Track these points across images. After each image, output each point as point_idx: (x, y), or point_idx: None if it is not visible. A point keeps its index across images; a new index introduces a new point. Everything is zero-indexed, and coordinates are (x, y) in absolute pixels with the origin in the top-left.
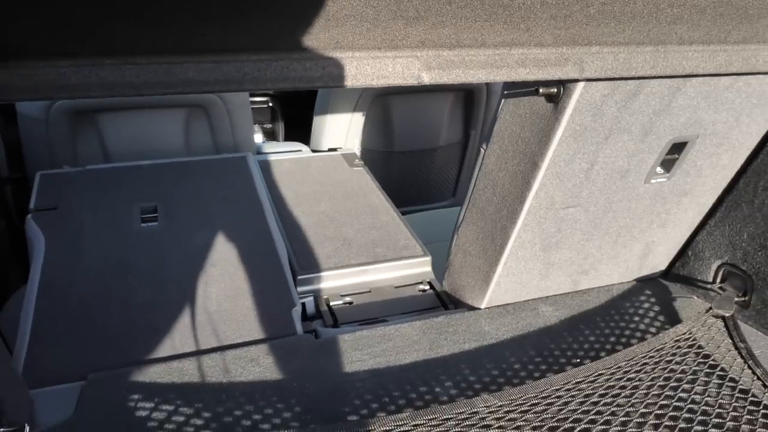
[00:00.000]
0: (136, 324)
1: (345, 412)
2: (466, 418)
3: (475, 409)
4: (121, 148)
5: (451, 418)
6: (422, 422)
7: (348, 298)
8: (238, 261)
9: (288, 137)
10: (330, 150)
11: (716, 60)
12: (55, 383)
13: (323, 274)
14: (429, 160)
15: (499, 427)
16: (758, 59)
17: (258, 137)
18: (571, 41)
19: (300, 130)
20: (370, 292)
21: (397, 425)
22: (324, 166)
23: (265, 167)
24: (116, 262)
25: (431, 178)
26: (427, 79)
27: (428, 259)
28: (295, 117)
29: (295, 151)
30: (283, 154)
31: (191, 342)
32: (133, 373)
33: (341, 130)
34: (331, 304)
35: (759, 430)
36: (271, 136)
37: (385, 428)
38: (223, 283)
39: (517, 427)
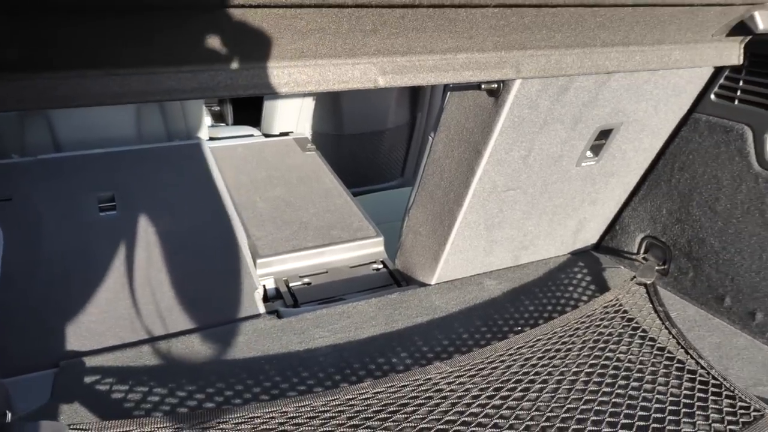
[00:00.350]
0: (103, 311)
1: (310, 384)
2: (421, 384)
3: (429, 376)
4: (72, 136)
5: (407, 385)
6: (382, 390)
7: (306, 279)
8: (199, 247)
9: (237, 119)
10: (282, 134)
11: (634, 59)
12: (27, 372)
13: (282, 257)
14: (378, 143)
15: (451, 390)
16: (670, 57)
17: (206, 120)
18: (508, 46)
19: (248, 112)
20: (327, 272)
21: (359, 394)
22: (277, 151)
23: (219, 153)
24: (77, 252)
25: (380, 159)
26: (382, 82)
27: (381, 239)
28: (243, 99)
29: (247, 135)
30: (235, 139)
31: (159, 326)
32: (105, 358)
33: (292, 115)
34: (291, 285)
35: (672, 381)
36: (219, 118)
37: (348, 396)
38: (186, 268)
39: (467, 390)
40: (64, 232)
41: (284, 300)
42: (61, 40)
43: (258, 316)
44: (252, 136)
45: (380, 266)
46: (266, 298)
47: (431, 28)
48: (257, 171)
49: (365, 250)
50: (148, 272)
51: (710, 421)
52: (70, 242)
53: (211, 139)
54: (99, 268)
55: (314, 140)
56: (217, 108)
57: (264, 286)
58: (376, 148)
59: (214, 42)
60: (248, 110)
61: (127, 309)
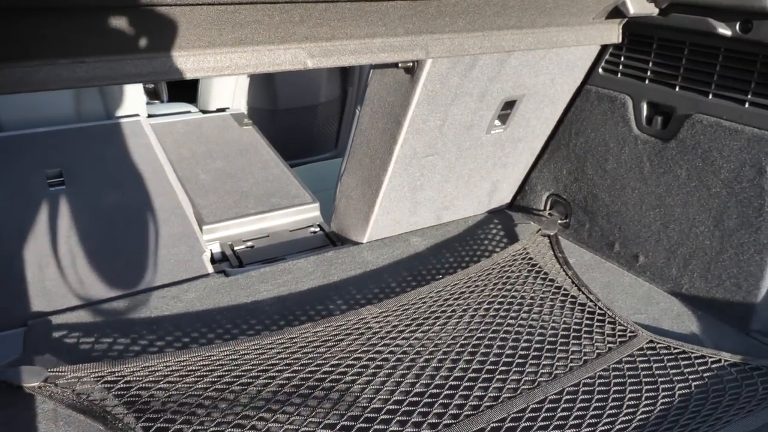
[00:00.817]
0: (63, 275)
1: (258, 329)
2: (355, 323)
3: (361, 317)
4: (12, 116)
5: (342, 324)
6: (321, 329)
7: (249, 243)
8: (148, 217)
9: (171, 96)
10: (218, 110)
11: (527, 40)
12: None
13: (225, 223)
14: (311, 116)
15: (380, 327)
16: (558, 38)
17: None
18: (418, 31)
19: (182, 89)
20: (268, 236)
21: (301, 333)
22: (215, 126)
23: (159, 129)
24: (32, 223)
25: (315, 132)
26: (311, 64)
27: (317, 205)
28: None
29: (185, 112)
30: (174, 116)
31: (118, 287)
32: (69, 316)
33: (228, 91)
34: (236, 248)
35: (566, 312)
36: (154, 95)
37: (292, 335)
38: (137, 235)
39: (393, 326)
40: (17, 205)
41: (230, 262)
42: (36, 35)
43: (207, 275)
44: (189, 112)
45: (317, 229)
46: (213, 261)
47: (350, 18)
48: (197, 146)
49: (303, 215)
50: (104, 239)
51: (594, 342)
52: (24, 214)
53: (150, 116)
54: (55, 236)
55: (250, 115)
56: (152, 86)
57: (210, 250)
58: (310, 122)
59: (166, 33)
60: (182, 88)
61: (87, 272)
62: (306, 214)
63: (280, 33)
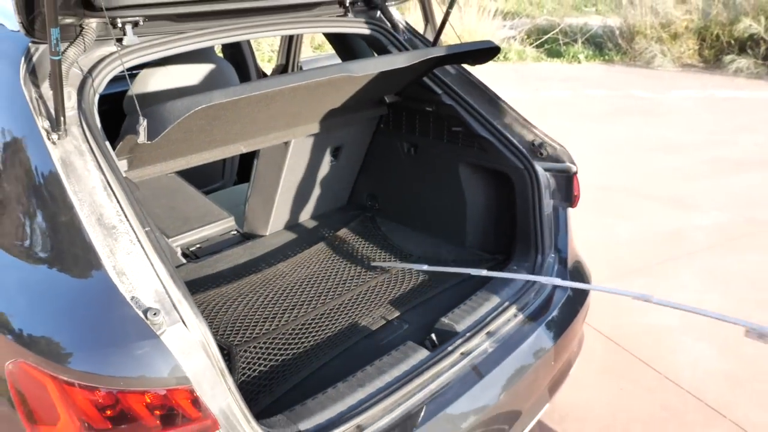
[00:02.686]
0: None
1: (225, 280)
2: (273, 273)
3: (277, 269)
4: None
5: (266, 273)
6: (260, 275)
7: (198, 245)
8: None
9: None
10: None
11: (343, 120)
12: None
13: (182, 235)
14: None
15: (285, 272)
16: (356, 117)
17: None
18: (290, 126)
19: None
20: (207, 240)
21: (250, 287)
22: None
23: None
24: None
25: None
26: (244, 149)
27: (232, 217)
28: None
29: None
30: None
31: None
32: None
33: None
34: (190, 249)
35: (375, 253)
36: None
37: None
38: None
39: (290, 273)
40: None
41: (191, 256)
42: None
43: (185, 263)
44: None
45: (236, 232)
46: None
47: (263, 126)
48: None
49: (226, 225)
50: None
51: (384, 259)
52: None
53: None
54: None
55: None
56: None
57: (180, 248)
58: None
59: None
60: None
61: None
62: (227, 223)
63: (227, 138)
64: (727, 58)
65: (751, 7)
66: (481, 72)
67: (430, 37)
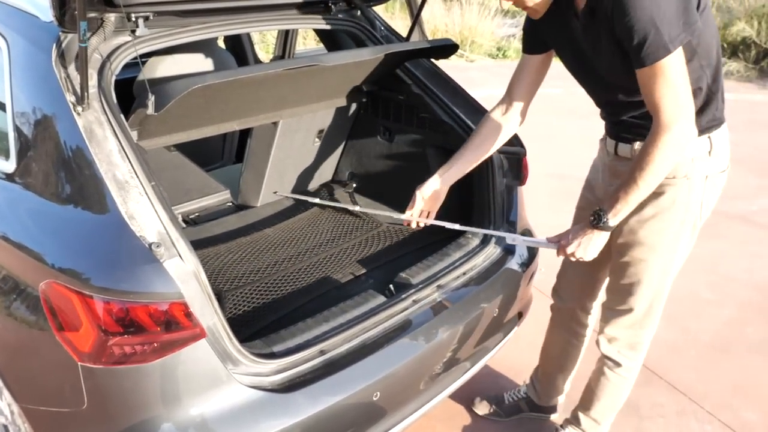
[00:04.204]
0: None
1: (221, 242)
2: (262, 238)
3: (265, 233)
4: None
5: (255, 236)
6: (250, 238)
7: (197, 213)
8: None
9: None
10: None
11: (324, 104)
12: None
13: (183, 204)
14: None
15: (274, 236)
16: (338, 102)
17: None
18: (278, 108)
19: None
20: (206, 209)
21: (241, 247)
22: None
23: None
24: None
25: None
26: (237, 126)
27: (228, 190)
28: None
29: None
30: None
31: None
32: None
33: None
34: (191, 216)
35: (352, 220)
36: None
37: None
38: None
39: (279, 235)
40: None
41: (192, 222)
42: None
43: (182, 228)
44: None
45: (231, 203)
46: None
47: (254, 106)
48: None
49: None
50: None
51: (362, 225)
52: None
53: None
54: None
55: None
56: None
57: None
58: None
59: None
60: None
61: None
62: (224, 196)
63: (222, 116)
64: None
65: (744, 12)
66: (480, 68)
67: (418, 34)
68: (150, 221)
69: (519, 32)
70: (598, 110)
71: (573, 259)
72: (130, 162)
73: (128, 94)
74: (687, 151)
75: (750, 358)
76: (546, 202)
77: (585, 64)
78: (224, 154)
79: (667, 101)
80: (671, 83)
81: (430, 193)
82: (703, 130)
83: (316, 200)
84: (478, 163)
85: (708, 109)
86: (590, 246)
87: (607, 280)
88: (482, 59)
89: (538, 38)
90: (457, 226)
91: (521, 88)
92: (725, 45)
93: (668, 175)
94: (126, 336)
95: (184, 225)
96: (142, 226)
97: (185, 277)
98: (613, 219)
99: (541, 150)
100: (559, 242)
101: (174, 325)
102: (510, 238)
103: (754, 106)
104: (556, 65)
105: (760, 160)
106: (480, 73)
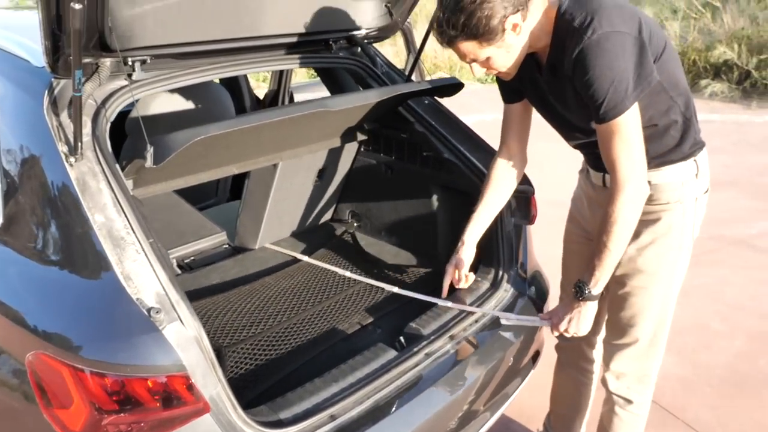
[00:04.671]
0: None
1: (219, 289)
2: (260, 284)
3: (264, 282)
4: None
5: (255, 284)
6: (248, 286)
7: (192, 257)
8: None
9: None
10: None
11: (327, 144)
12: None
13: (178, 248)
14: None
15: (272, 284)
16: (340, 143)
17: None
18: (277, 151)
19: None
20: (201, 252)
21: (237, 297)
22: None
23: None
24: None
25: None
26: (236, 170)
27: (224, 232)
28: None
29: None
30: None
31: None
32: None
33: None
34: (185, 261)
35: (352, 262)
36: None
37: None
38: None
39: (278, 283)
40: None
41: (186, 267)
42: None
43: (178, 275)
44: None
45: (227, 245)
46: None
47: (251, 150)
48: None
49: (217, 239)
50: None
51: (359, 258)
52: None
53: None
54: None
55: None
56: None
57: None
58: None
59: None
60: None
61: None
62: (220, 237)
63: (221, 161)
64: (703, 82)
65: (725, 35)
66: (471, 93)
67: (416, 69)
68: (148, 282)
69: None
70: None
71: (568, 335)
72: (126, 216)
73: (117, 127)
74: (677, 177)
75: (766, 393)
76: (547, 232)
77: (556, 113)
78: (218, 191)
79: (622, 159)
80: (626, 140)
81: (462, 264)
82: (688, 155)
83: (332, 267)
84: (495, 215)
85: (688, 135)
86: (582, 320)
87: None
88: (472, 84)
89: (512, 88)
90: (449, 304)
91: (513, 135)
92: (708, 66)
93: (662, 201)
94: (122, 414)
95: (179, 271)
96: (139, 287)
97: (186, 343)
98: (596, 288)
99: (535, 177)
100: (551, 320)
101: (175, 400)
102: (503, 317)
103: (741, 127)
104: None
105: (753, 182)
106: (471, 98)
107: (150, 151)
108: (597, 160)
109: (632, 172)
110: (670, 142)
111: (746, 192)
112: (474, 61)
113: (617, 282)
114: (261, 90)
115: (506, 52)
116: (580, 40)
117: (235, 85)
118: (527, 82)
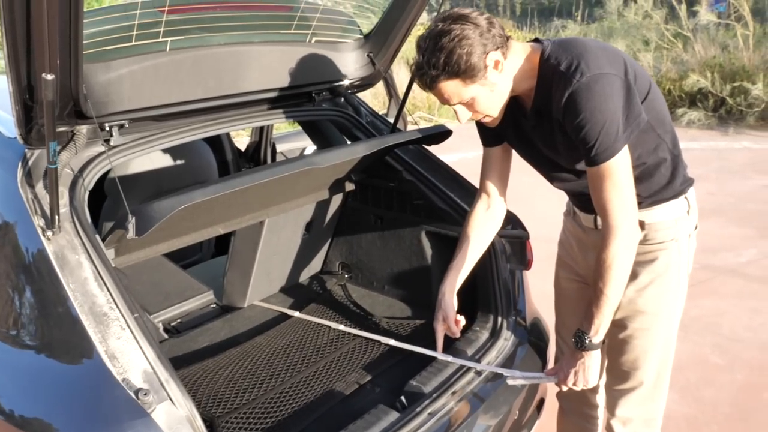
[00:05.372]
0: None
1: (208, 353)
2: (251, 346)
3: (254, 342)
4: None
5: (244, 345)
6: (239, 348)
7: (179, 320)
8: None
9: None
10: None
11: (313, 198)
12: None
13: (164, 310)
14: None
15: (263, 345)
16: (328, 195)
17: None
18: (263, 207)
19: None
20: (188, 314)
21: (227, 362)
22: None
23: None
24: None
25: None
26: (222, 230)
27: (211, 291)
28: None
29: None
30: None
31: None
32: None
33: None
34: (172, 324)
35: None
36: None
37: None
38: None
39: (268, 344)
40: None
41: (173, 330)
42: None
43: (165, 339)
44: None
45: (215, 305)
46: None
47: (236, 209)
48: None
49: (205, 298)
50: None
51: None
52: None
53: None
54: None
55: None
56: None
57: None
58: None
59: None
60: None
61: None
62: (207, 297)
63: (206, 223)
64: (680, 111)
65: (697, 64)
66: (452, 129)
67: (394, 111)
68: (135, 360)
69: None
70: None
71: (577, 388)
72: (108, 290)
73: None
74: (670, 215)
75: None
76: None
77: (541, 156)
78: (203, 247)
79: (614, 203)
80: (617, 184)
81: (448, 315)
82: (679, 192)
83: (326, 322)
84: (474, 264)
85: (678, 173)
86: (588, 371)
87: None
88: (450, 122)
89: (492, 132)
90: (450, 358)
91: (493, 179)
92: (683, 95)
93: (657, 240)
94: None
95: (165, 336)
96: (125, 366)
97: (178, 425)
98: (596, 337)
99: (520, 213)
100: (557, 375)
101: None
102: (509, 375)
103: (720, 153)
104: None
105: (738, 209)
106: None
107: (132, 221)
108: (586, 202)
109: (624, 216)
110: (661, 180)
111: (732, 219)
112: (459, 103)
113: (617, 326)
114: (242, 140)
115: (490, 92)
116: (569, 84)
117: (215, 138)
118: (509, 125)
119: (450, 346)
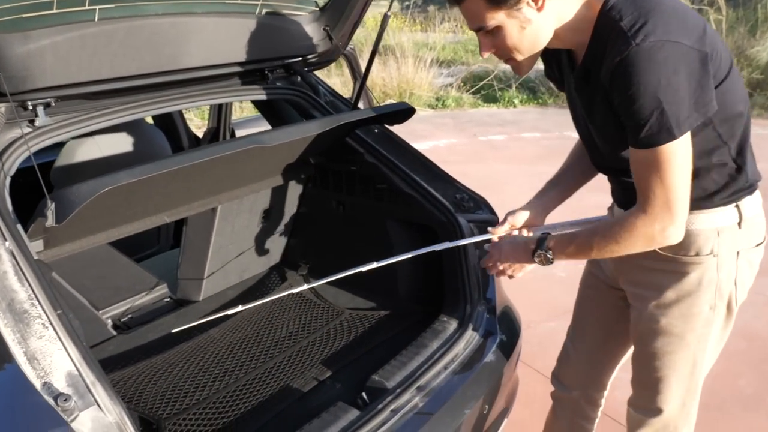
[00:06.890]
0: None
1: (155, 351)
2: (204, 339)
3: (209, 335)
4: None
5: (200, 337)
6: (193, 343)
7: (130, 315)
8: None
9: None
10: None
11: (269, 183)
12: None
13: (116, 305)
14: None
15: (219, 337)
16: (284, 180)
17: None
18: (215, 193)
19: None
20: (140, 309)
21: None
22: None
23: None
24: None
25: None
26: (167, 219)
27: (165, 284)
28: None
29: None
30: None
31: None
32: None
33: None
34: (122, 320)
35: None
36: None
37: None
38: None
39: (224, 337)
40: None
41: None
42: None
43: (113, 336)
44: None
45: (169, 299)
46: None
47: (186, 195)
48: None
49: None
50: None
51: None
52: None
53: None
54: None
55: None
56: None
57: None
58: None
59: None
60: None
61: None
62: (160, 291)
63: (147, 211)
64: None
65: None
66: (421, 119)
67: (363, 97)
68: (57, 361)
69: (455, 81)
70: (543, 156)
71: (492, 272)
72: (30, 285)
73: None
74: (710, 224)
75: (748, 417)
76: None
77: (583, 127)
78: (160, 239)
79: (657, 194)
80: (668, 174)
81: (522, 223)
82: (728, 201)
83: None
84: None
85: (735, 183)
86: (519, 270)
87: (623, 367)
88: (423, 110)
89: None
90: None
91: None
92: None
93: (690, 252)
94: None
95: (114, 333)
96: (47, 369)
97: None
98: (555, 256)
99: (495, 202)
100: (491, 251)
101: None
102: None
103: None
104: (500, 112)
105: None
106: (422, 124)
107: (51, 207)
108: (623, 193)
109: (664, 214)
110: (708, 187)
111: None
112: (480, 29)
113: (640, 338)
114: (197, 129)
115: (520, 28)
116: (625, 46)
117: (170, 124)
118: (565, 82)
119: (414, 339)
